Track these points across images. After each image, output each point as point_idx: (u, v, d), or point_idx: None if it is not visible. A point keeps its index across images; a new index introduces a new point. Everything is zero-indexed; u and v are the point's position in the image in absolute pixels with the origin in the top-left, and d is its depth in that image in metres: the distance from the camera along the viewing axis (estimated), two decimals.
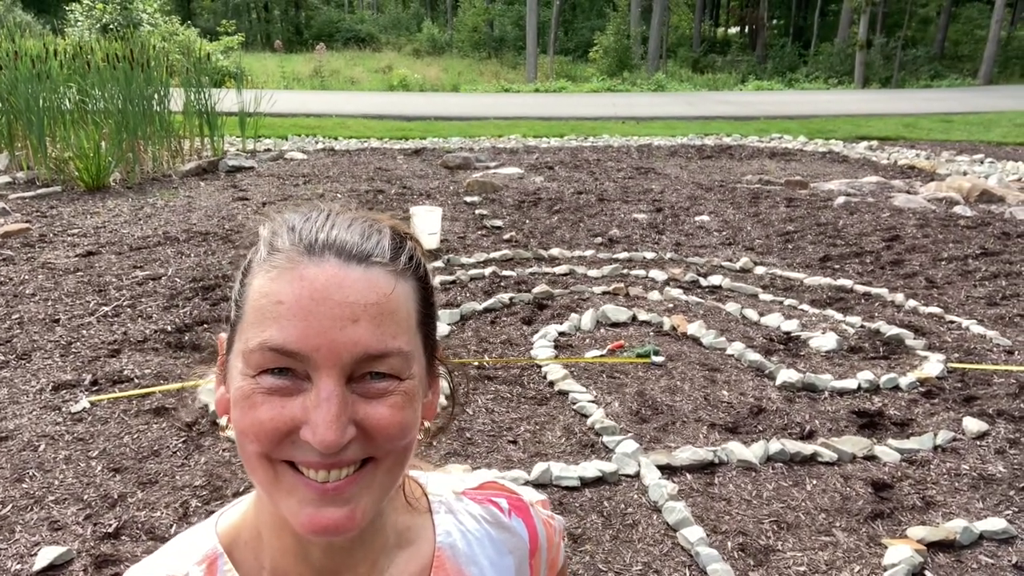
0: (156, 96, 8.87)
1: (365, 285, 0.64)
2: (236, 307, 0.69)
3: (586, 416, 3.40)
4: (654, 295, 4.93)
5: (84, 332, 4.22)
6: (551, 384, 3.72)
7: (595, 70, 27.43)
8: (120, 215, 6.74)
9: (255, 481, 0.67)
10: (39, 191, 7.44)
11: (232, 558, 0.74)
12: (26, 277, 5.04)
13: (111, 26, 17.98)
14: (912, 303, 4.86)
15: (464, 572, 0.81)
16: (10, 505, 2.71)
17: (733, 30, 45.28)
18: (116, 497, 2.77)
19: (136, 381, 3.66)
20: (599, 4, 35.90)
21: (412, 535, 0.80)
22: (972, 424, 3.36)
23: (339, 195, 7.75)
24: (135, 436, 3.18)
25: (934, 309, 4.77)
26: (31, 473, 2.90)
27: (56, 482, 2.85)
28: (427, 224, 5.80)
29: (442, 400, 0.80)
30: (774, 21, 38.97)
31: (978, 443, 3.26)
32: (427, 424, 0.75)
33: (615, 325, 4.47)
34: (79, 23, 19.91)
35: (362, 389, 0.65)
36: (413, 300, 0.69)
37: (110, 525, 2.60)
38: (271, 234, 0.69)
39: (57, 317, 4.40)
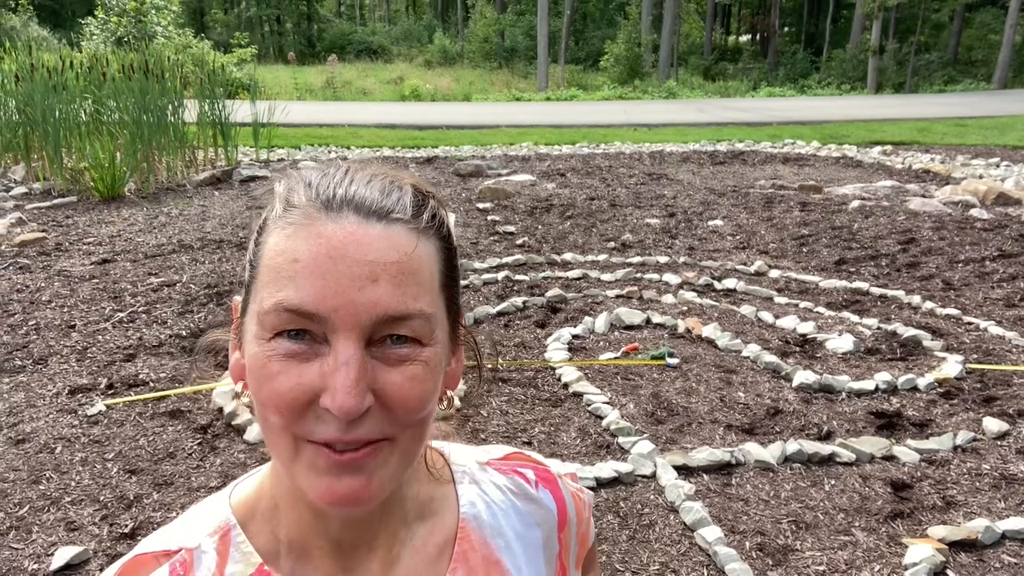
0: (170, 107, 8.94)
1: (385, 243, 0.62)
2: (251, 267, 0.66)
3: (601, 417, 3.38)
4: (668, 298, 4.90)
5: (100, 337, 4.24)
6: (565, 386, 3.70)
7: (606, 78, 27.48)
8: (135, 224, 6.79)
9: (274, 454, 0.66)
10: (55, 201, 7.51)
11: (247, 530, 0.72)
12: (42, 284, 5.08)
13: (126, 39, 18.18)
14: (929, 305, 4.82)
15: (489, 544, 0.78)
16: (27, 506, 2.72)
17: (744, 38, 45.26)
18: (132, 498, 2.77)
19: (151, 385, 3.68)
20: (610, 13, 35.99)
21: (435, 506, 0.78)
22: (992, 424, 3.32)
23: None
24: (150, 438, 3.18)
25: (951, 311, 4.72)
26: (48, 475, 2.91)
27: (72, 483, 2.86)
28: None
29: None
30: (785, 28, 38.93)
31: (999, 443, 3.22)
32: (450, 393, 0.73)
33: (629, 328, 4.45)
34: (95, 36, 20.13)
35: (382, 354, 0.62)
36: (436, 260, 0.66)
37: (126, 526, 2.61)
38: (287, 190, 0.66)
39: (73, 323, 4.43)
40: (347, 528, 0.71)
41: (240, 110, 9.89)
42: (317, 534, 0.71)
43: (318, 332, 0.61)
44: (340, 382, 0.60)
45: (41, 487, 2.84)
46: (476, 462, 0.84)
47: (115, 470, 2.96)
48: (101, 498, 2.77)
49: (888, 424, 3.37)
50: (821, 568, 2.47)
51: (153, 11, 20.52)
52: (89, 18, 21.47)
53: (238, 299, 0.69)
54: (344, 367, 0.60)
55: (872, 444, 3.16)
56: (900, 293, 5.04)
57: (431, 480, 0.79)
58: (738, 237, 6.54)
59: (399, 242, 0.63)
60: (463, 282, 5.12)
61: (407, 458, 0.67)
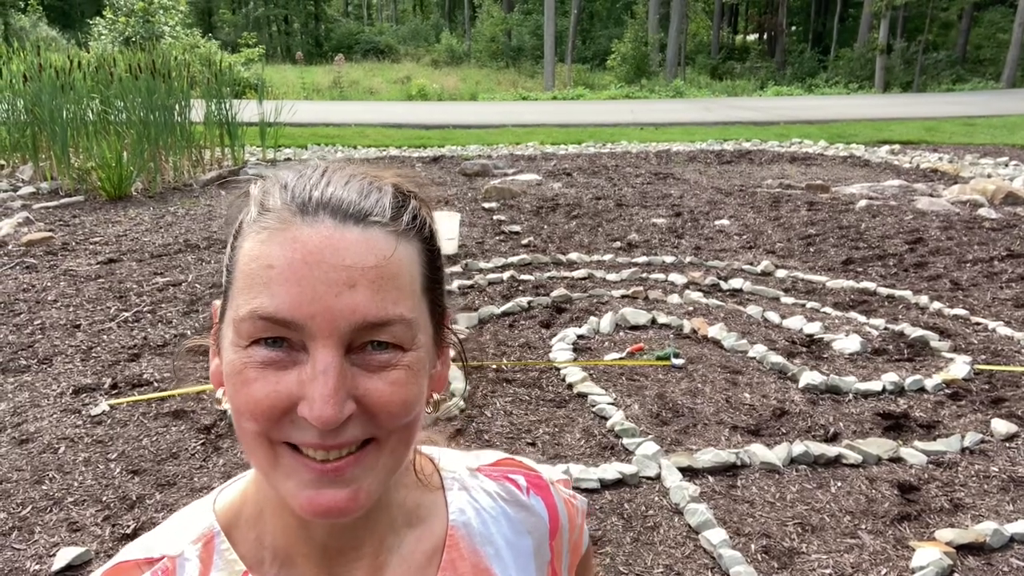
0: (177, 107, 8.95)
1: (363, 247, 0.60)
2: (227, 272, 0.65)
3: (605, 418, 3.37)
4: (674, 298, 4.88)
5: (105, 337, 4.24)
6: (570, 387, 3.69)
7: (613, 77, 27.43)
8: (141, 223, 6.80)
9: (252, 462, 0.65)
10: (62, 200, 7.52)
11: (231, 537, 0.71)
12: (48, 284, 5.09)
13: (133, 39, 18.22)
14: (937, 305, 4.79)
15: (479, 552, 0.77)
16: (30, 506, 2.72)
17: (752, 37, 45.13)
18: (135, 499, 2.77)
19: (155, 385, 3.68)
20: (617, 12, 35.93)
21: (423, 513, 0.76)
22: (1000, 426, 3.29)
23: None
24: (154, 439, 3.18)
25: (959, 311, 4.69)
26: (51, 475, 2.91)
27: (75, 484, 2.86)
28: (445, 229, 5.80)
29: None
30: (793, 27, 38.79)
31: (1007, 445, 3.19)
32: (436, 396, 0.72)
33: (634, 328, 4.43)
34: (102, 36, 20.20)
35: (362, 361, 0.61)
36: (417, 263, 0.64)
37: (128, 526, 2.60)
38: (262, 193, 0.64)
39: (78, 323, 4.43)
40: (333, 535, 0.70)
41: (247, 110, 9.89)
42: (302, 541, 0.70)
43: (296, 340, 0.60)
44: (318, 391, 0.58)
45: (44, 487, 2.84)
46: (466, 468, 0.82)
47: (118, 470, 2.95)
48: (104, 499, 2.77)
49: (895, 425, 3.34)
50: (827, 571, 2.44)
51: (161, 11, 20.58)
52: (97, 18, 21.56)
53: (218, 303, 0.68)
54: (322, 375, 0.58)
55: (879, 446, 3.14)
56: (907, 293, 5.01)
57: (420, 486, 0.77)
58: (744, 237, 6.51)
59: (377, 246, 0.61)
60: (468, 282, 5.11)
61: (394, 463, 0.65)
